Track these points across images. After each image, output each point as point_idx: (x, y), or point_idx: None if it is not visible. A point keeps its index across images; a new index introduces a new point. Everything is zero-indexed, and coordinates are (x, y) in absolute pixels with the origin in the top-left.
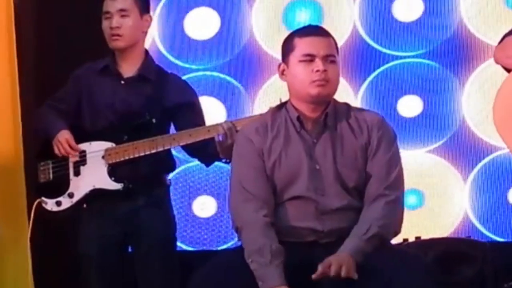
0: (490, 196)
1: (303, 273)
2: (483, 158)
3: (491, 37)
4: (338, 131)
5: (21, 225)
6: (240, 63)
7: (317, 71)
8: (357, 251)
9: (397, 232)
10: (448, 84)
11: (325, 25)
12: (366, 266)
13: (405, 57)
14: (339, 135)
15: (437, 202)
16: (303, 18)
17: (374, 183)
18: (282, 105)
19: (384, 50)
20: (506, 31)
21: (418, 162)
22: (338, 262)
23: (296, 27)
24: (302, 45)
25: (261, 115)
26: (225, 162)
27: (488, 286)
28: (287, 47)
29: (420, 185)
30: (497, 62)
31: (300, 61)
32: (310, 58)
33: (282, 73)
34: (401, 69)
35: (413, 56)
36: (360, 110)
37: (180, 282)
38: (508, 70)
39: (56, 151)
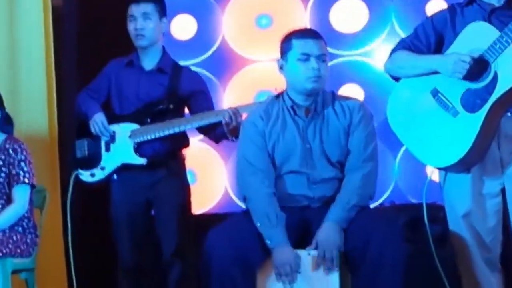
0: None
1: (299, 232)
2: None
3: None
4: (325, 116)
5: (54, 192)
6: None
7: (313, 69)
8: (342, 219)
9: (372, 197)
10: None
11: None
12: (349, 228)
13: None
14: (326, 118)
15: None
16: None
17: (354, 156)
18: (279, 95)
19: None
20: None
21: None
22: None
23: None
24: (299, 46)
25: (260, 103)
26: (232, 140)
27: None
28: (286, 46)
29: None
30: (388, 72)
31: (298, 59)
32: (306, 57)
33: (281, 68)
34: None
35: None
36: (343, 97)
37: (195, 240)
38: (396, 79)
39: (92, 130)
